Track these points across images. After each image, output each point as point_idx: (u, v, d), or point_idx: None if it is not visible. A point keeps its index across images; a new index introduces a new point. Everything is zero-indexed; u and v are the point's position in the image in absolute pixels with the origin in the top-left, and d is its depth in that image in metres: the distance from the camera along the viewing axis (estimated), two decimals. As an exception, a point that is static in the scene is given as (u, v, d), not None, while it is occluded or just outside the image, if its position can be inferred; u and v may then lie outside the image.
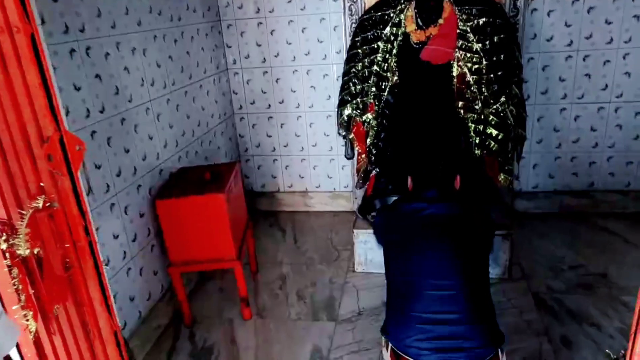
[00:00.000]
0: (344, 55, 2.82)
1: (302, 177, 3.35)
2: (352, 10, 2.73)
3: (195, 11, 2.72)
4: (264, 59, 3.10)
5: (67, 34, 1.68)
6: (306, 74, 3.08)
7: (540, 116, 2.91)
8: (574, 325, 2.08)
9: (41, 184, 0.94)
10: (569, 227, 2.82)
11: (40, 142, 0.92)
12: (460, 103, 2.40)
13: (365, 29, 2.51)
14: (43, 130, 0.92)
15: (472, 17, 2.34)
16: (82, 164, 1.02)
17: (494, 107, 2.34)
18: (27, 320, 0.84)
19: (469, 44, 2.34)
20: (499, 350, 1.51)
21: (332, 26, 2.94)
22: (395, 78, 2.55)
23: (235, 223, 2.23)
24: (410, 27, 2.45)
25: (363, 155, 2.73)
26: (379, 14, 2.48)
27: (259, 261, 2.75)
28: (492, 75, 2.31)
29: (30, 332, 0.86)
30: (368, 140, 2.66)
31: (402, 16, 2.45)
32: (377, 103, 2.57)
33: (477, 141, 2.32)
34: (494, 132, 2.31)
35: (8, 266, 0.81)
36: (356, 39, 2.53)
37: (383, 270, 2.75)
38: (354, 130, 2.64)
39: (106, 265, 1.89)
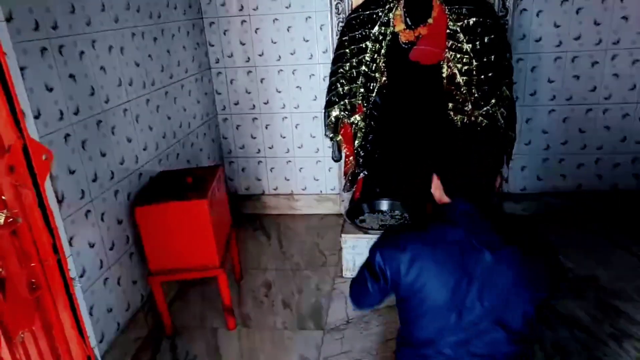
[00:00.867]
0: (331, 55, 2.74)
1: (288, 180, 3.27)
2: (339, 9, 2.66)
3: (176, 8, 2.62)
4: (248, 58, 3.01)
5: (38, 31, 1.57)
6: (292, 74, 3.00)
7: (528, 118, 2.88)
8: (565, 331, 2.05)
9: (2, 197, 0.84)
10: (557, 230, 2.80)
11: (1, 152, 0.82)
12: (450, 105, 2.35)
13: (353, 28, 2.44)
14: (4, 139, 0.82)
15: (462, 17, 2.29)
16: (50, 173, 0.92)
17: (485, 108, 2.29)
18: (-12, 349, 0.76)
19: (459, 44, 2.29)
20: None
21: (318, 25, 2.86)
22: (384, 79, 2.49)
23: (219, 229, 2.14)
24: (399, 26, 2.39)
25: (351, 158, 2.66)
26: (367, 12, 2.42)
27: (243, 267, 2.66)
28: (482, 77, 2.27)
29: (-9, 363, 0.77)
30: (356, 142, 2.59)
31: (390, 15, 2.39)
32: (365, 104, 2.50)
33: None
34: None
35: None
36: (344, 39, 2.46)
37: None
38: (341, 132, 2.57)
39: (81, 276, 1.79)
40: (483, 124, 2.30)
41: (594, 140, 2.87)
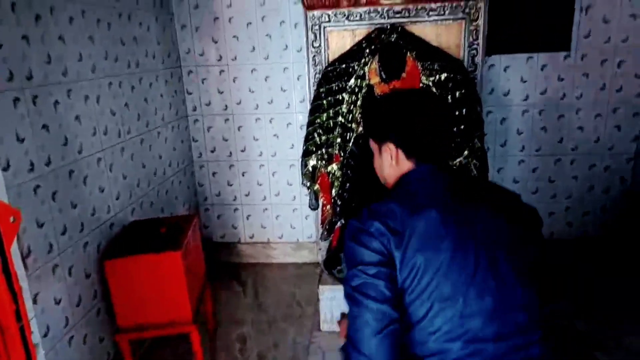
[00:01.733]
0: (308, 105, 2.78)
1: (264, 227, 3.23)
2: (315, 61, 2.72)
3: (155, 57, 2.63)
4: (226, 106, 3.02)
5: (12, 81, 1.55)
6: (269, 122, 3.02)
7: (499, 167, 2.96)
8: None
9: (-37, 264, 0.79)
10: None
11: (-36, 215, 0.78)
12: (425, 155, 2.40)
13: (330, 81, 2.50)
14: (-32, 201, 0.79)
15: (434, 72, 2.38)
16: (17, 235, 0.88)
17: (458, 160, 2.35)
18: None
19: (433, 98, 2.37)
20: None
21: (295, 75, 2.92)
22: (360, 129, 2.53)
23: (192, 282, 2.07)
24: (374, 79, 2.47)
25: (328, 207, 2.66)
26: (344, 66, 2.49)
27: (218, 319, 2.56)
28: (454, 129, 2.34)
29: None
30: (333, 191, 2.60)
31: (366, 69, 2.46)
32: (342, 154, 2.53)
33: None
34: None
35: None
36: (321, 90, 2.51)
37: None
38: (318, 181, 2.58)
39: (45, 335, 1.68)
40: (458, 175, 2.34)
41: (563, 189, 2.96)
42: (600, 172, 2.90)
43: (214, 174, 3.17)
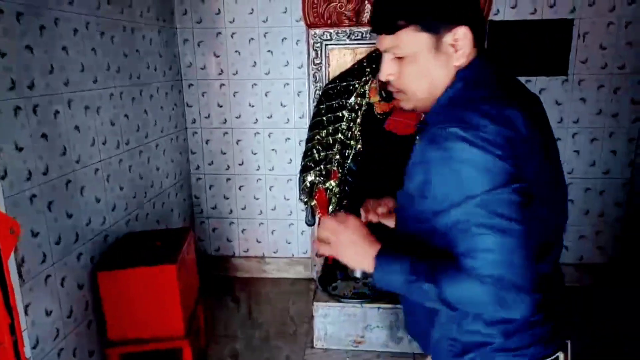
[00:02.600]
0: (307, 120, 2.80)
1: (259, 242, 3.21)
2: (316, 78, 2.74)
3: (156, 70, 2.65)
4: (225, 119, 3.03)
5: (13, 90, 1.54)
6: (268, 137, 3.03)
7: (496, 188, 2.97)
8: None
9: (-41, 276, 0.78)
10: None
11: (-38, 227, 0.78)
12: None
13: (330, 98, 2.51)
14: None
15: (434, 92, 2.40)
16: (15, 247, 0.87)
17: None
18: None
19: (432, 118, 2.39)
20: None
21: (295, 91, 2.94)
22: (359, 146, 2.54)
23: (186, 296, 2.04)
24: (374, 98, 2.49)
25: (324, 223, 2.66)
26: (344, 84, 2.51)
27: (210, 334, 2.53)
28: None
29: None
30: (330, 207, 2.60)
31: (366, 87, 2.48)
32: (340, 170, 2.54)
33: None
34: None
35: None
36: (321, 107, 2.53)
37: (344, 346, 2.58)
38: (316, 197, 2.58)
39: (34, 347, 1.65)
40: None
41: (559, 211, 2.96)
42: (595, 196, 2.91)
43: (210, 186, 3.16)
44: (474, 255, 0.78)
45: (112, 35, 2.17)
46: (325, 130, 2.51)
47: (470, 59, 0.90)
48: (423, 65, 0.90)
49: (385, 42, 0.91)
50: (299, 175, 2.55)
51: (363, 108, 2.51)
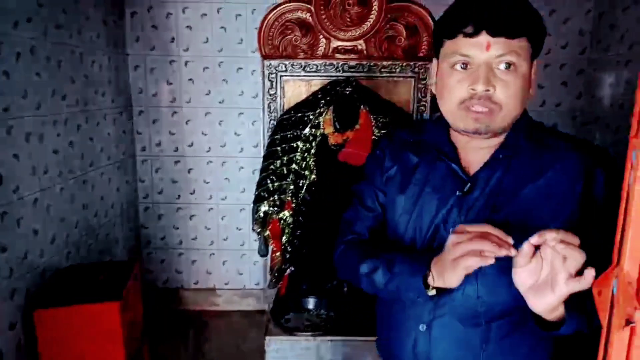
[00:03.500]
0: (262, 150, 2.79)
1: (210, 273, 3.12)
2: (271, 108, 2.75)
3: (104, 95, 2.56)
4: (177, 147, 2.97)
5: (-55, 115, 1.44)
6: (221, 166, 2.99)
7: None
8: None
9: None
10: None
11: None
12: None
13: (285, 128, 2.52)
14: None
15: (386, 125, 2.47)
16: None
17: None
18: None
19: (384, 150, 2.45)
20: None
21: (250, 121, 2.94)
22: (313, 176, 2.55)
23: (130, 335, 1.93)
24: (329, 129, 2.52)
25: (278, 253, 2.62)
26: (299, 114, 2.53)
27: (155, 374, 2.40)
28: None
29: None
30: (284, 238, 2.57)
31: (320, 119, 2.52)
32: (294, 201, 2.53)
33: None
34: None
35: None
36: (275, 137, 2.53)
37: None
38: (269, 227, 2.55)
39: (-46, 396, 1.50)
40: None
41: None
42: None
43: (160, 216, 3.05)
44: None
45: (59, 60, 2.09)
46: (279, 160, 2.50)
47: None
48: (525, 82, 0.88)
49: (501, 46, 0.84)
50: (252, 205, 2.52)
51: (317, 139, 2.53)
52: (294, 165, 2.51)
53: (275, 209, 2.50)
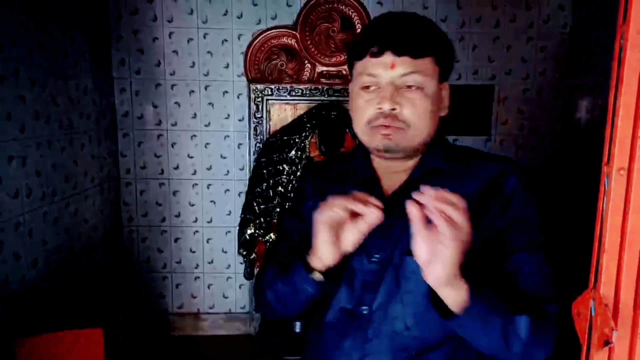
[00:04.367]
0: (248, 173, 2.81)
1: (195, 297, 3.08)
2: (257, 131, 2.78)
3: (90, 118, 2.56)
4: (162, 170, 2.96)
5: None
6: (207, 188, 2.98)
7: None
8: None
9: None
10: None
11: None
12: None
13: (271, 151, 2.55)
14: None
15: (370, 148, 2.51)
16: None
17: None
18: None
19: (369, 172, 2.48)
20: None
21: (236, 144, 2.95)
22: (299, 199, 2.57)
23: (114, 361, 1.89)
24: (314, 152, 2.56)
25: (263, 277, 2.61)
26: (285, 138, 2.56)
27: (137, 402, 2.34)
28: (390, 203, 2.44)
29: None
30: (270, 261, 2.57)
31: (306, 142, 2.55)
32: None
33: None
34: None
35: None
36: (262, 160, 2.55)
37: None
38: (255, 250, 2.54)
39: None
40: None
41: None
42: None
43: (143, 239, 3.02)
44: None
45: (43, 83, 2.09)
46: (265, 183, 2.52)
47: None
48: (434, 103, 0.90)
49: (405, 65, 0.86)
50: (238, 227, 2.52)
51: (303, 162, 2.56)
52: (280, 188, 2.52)
53: (261, 231, 2.51)
